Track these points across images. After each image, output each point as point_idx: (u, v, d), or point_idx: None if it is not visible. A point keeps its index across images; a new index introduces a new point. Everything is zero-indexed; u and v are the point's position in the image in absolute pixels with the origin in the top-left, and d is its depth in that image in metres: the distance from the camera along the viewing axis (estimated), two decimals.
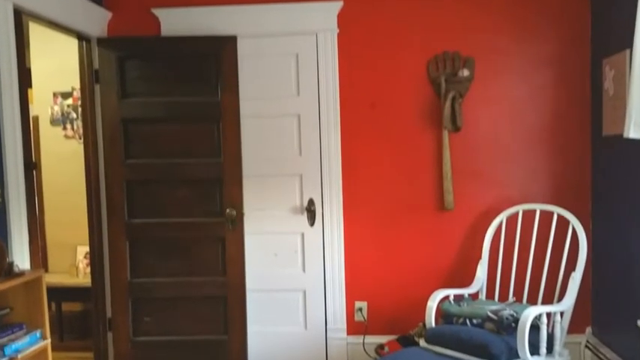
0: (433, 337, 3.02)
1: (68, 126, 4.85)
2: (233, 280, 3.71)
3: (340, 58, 3.70)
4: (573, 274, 3.08)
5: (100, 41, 3.68)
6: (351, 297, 3.79)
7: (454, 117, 3.52)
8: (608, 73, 3.20)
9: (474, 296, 3.37)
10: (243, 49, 3.67)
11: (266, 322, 3.80)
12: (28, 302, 2.58)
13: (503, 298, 3.36)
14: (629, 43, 2.69)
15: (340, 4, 3.66)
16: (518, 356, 2.73)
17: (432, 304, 3.14)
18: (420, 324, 3.38)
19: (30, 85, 4.49)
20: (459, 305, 3.15)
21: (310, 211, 3.73)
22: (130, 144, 3.70)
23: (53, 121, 4.87)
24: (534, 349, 2.78)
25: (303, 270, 3.80)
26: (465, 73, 3.56)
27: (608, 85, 3.21)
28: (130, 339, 3.74)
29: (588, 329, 3.59)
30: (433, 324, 3.12)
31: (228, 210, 3.66)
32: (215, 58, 3.64)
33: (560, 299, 3.11)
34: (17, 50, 2.90)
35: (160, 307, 3.73)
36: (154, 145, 3.71)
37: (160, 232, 3.73)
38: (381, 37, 3.67)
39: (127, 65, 3.67)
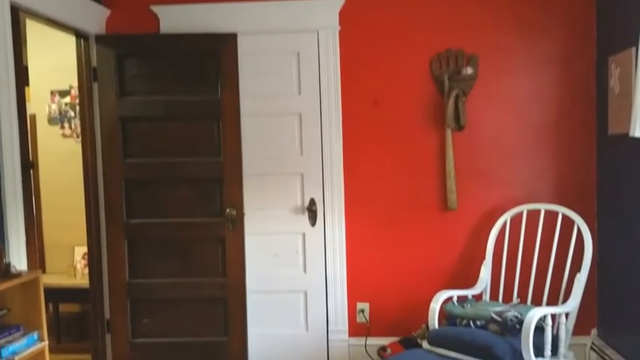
0: (436, 339, 3.02)
1: (66, 125, 4.85)
2: (233, 280, 3.71)
3: (342, 55, 3.69)
4: (578, 275, 3.08)
5: (99, 39, 3.67)
6: (352, 298, 3.79)
7: (457, 115, 3.52)
8: (614, 71, 3.19)
9: (478, 297, 3.36)
10: (243, 46, 3.67)
11: (267, 323, 3.79)
12: (26, 303, 2.58)
13: (508, 299, 3.36)
14: (635, 41, 2.70)
15: (342, 1, 3.66)
16: (522, 358, 2.72)
17: (435, 306, 3.13)
18: (423, 325, 3.37)
19: (27, 83, 4.44)
20: (463, 306, 3.15)
21: (311, 211, 3.73)
22: (128, 143, 3.70)
23: (51, 120, 4.86)
24: (539, 351, 2.77)
25: (304, 271, 3.80)
26: (469, 71, 3.55)
27: (613, 83, 3.21)
28: (128, 341, 3.74)
29: (594, 331, 3.58)
30: (436, 325, 3.12)
31: (228, 210, 3.65)
32: (215, 55, 3.64)
33: (565, 300, 3.11)
34: (14, 48, 2.89)
35: (159, 308, 3.73)
36: (152, 144, 3.71)
37: (158, 233, 3.73)
38: (384, 35, 3.67)
39: (126, 63, 3.67)
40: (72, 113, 4.82)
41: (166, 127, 3.71)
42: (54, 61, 4.68)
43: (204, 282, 3.72)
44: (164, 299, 3.73)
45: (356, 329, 3.79)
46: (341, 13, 3.67)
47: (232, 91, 3.65)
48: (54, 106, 4.86)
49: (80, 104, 3.79)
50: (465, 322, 3.07)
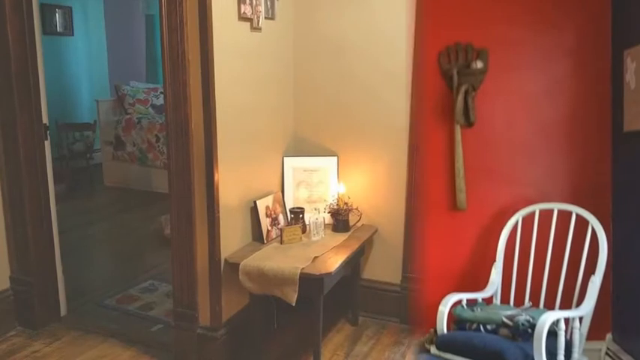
0: (445, 344, 3.03)
1: None
2: None
3: None
4: (593, 278, 3.08)
5: None
6: None
7: (467, 111, 3.51)
8: (630, 66, 3.19)
9: (488, 301, 3.37)
10: None
11: None
12: None
13: (519, 302, 3.36)
14: None
15: None
16: None
17: (444, 309, 3.13)
18: (431, 330, 3.38)
19: None
20: (473, 310, 3.15)
21: None
22: None
23: None
24: (551, 357, 2.77)
25: None
26: (479, 65, 3.54)
27: (629, 77, 3.20)
28: None
29: (609, 335, 3.57)
30: (445, 330, 3.12)
31: None
32: None
33: (578, 304, 3.11)
34: None
35: None
36: None
37: None
38: None
39: None
40: None
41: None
42: None
43: None
44: None
45: None
46: None
47: None
48: None
49: None
50: (474, 326, 3.08)
